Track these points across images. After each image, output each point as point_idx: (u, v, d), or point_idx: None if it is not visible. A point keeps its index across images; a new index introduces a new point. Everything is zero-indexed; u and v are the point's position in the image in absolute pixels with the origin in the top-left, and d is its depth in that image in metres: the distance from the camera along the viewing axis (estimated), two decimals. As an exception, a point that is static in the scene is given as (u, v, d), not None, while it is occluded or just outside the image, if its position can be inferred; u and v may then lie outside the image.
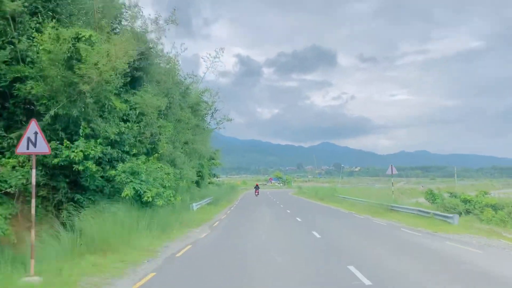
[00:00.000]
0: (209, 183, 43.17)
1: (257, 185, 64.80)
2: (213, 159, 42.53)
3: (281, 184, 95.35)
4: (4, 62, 11.82)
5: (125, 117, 15.72)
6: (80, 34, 11.94)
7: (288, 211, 29.37)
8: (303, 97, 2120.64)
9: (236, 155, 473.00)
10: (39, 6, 12.75)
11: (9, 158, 11.64)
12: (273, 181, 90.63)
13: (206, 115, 35.69)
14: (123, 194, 13.89)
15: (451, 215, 19.08)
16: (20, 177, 11.10)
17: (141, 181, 14.54)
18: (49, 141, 10.95)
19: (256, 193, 59.35)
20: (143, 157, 15.84)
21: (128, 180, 14.18)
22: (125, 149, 15.15)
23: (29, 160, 11.25)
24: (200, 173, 33.55)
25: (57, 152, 12.45)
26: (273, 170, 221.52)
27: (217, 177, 56.59)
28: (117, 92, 15.07)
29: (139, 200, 14.59)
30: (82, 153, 12.45)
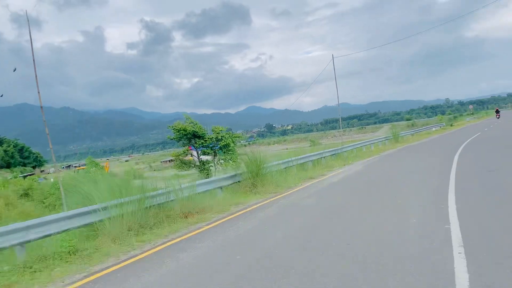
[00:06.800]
0: None
1: (497, 110, 71.67)
2: None
3: (212, 158, 26.24)
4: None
5: None
6: None
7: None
8: (222, 62, 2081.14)
9: (161, 130, 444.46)
10: None
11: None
12: (194, 152, 28.64)
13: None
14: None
15: None
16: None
17: None
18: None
19: (497, 117, 65.37)
20: None
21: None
22: None
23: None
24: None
25: None
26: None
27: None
28: None
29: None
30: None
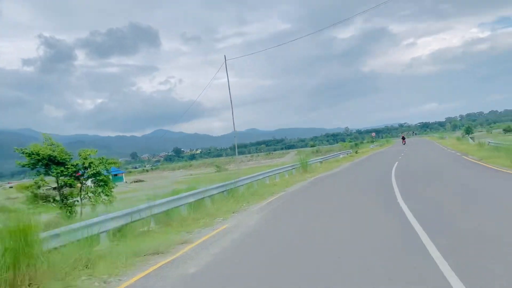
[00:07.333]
0: None
1: (403, 136, 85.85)
2: None
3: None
4: None
5: None
6: None
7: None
8: (129, 83, 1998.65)
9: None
10: None
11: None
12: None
13: None
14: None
15: None
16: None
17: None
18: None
19: (403, 143, 71.90)
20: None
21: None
22: None
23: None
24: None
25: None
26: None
27: None
28: None
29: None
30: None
